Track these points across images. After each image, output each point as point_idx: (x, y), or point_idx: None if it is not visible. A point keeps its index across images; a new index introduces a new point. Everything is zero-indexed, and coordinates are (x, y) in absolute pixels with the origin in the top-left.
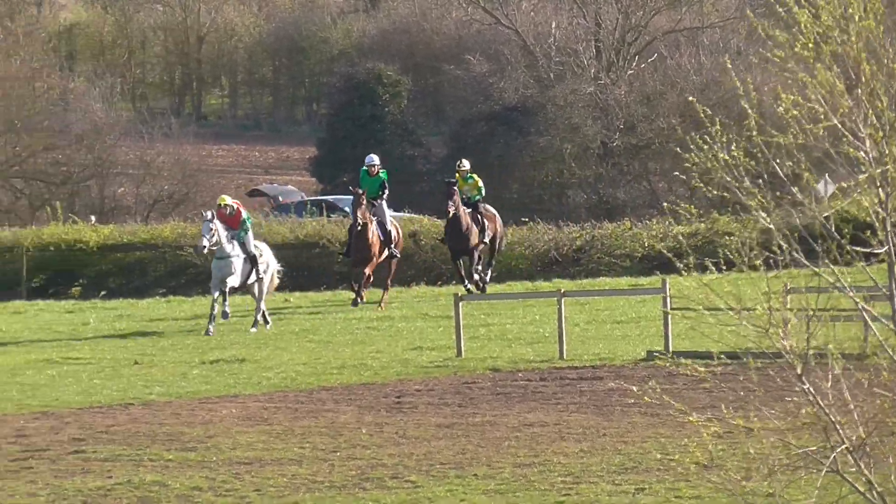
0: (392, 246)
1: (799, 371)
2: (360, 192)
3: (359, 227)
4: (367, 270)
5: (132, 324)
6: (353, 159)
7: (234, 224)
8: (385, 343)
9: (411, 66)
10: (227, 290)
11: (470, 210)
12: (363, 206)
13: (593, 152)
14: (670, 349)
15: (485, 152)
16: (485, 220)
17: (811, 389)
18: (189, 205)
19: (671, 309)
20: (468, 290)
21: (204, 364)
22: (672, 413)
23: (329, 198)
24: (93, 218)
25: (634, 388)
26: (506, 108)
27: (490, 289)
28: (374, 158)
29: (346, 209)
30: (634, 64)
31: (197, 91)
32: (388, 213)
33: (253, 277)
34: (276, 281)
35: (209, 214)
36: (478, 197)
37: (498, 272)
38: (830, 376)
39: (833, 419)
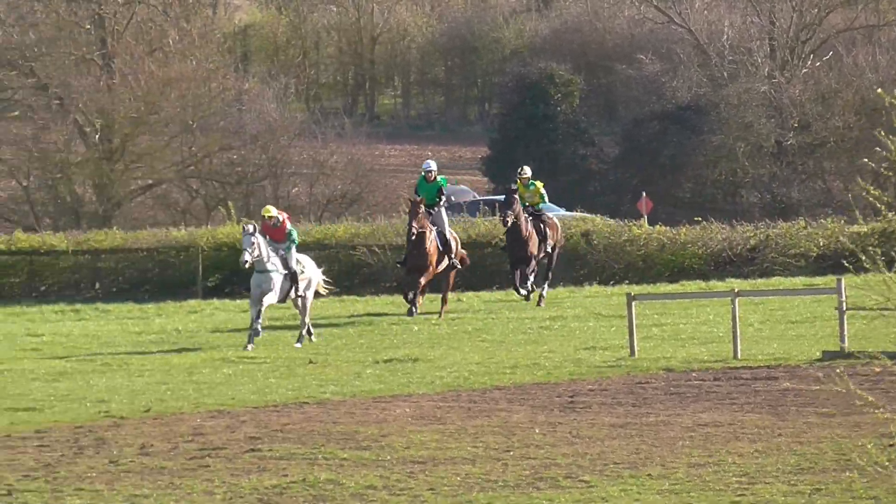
0: (451, 255)
1: None
2: (418, 199)
3: (413, 236)
4: (423, 280)
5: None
6: (525, 159)
7: (279, 237)
8: (558, 343)
9: (583, 65)
10: (264, 308)
11: (532, 218)
12: (419, 214)
13: (767, 151)
14: (846, 349)
15: (657, 152)
16: (547, 229)
17: None
18: (362, 205)
19: (847, 308)
20: (523, 295)
21: (377, 363)
22: (848, 412)
23: (501, 197)
24: None
25: (814, 387)
26: (678, 108)
27: (663, 288)
28: (431, 164)
29: None
30: (809, 62)
31: (370, 91)
32: (447, 221)
33: (293, 294)
34: (323, 291)
35: (250, 227)
36: (541, 205)
37: (670, 271)
38: None
39: None
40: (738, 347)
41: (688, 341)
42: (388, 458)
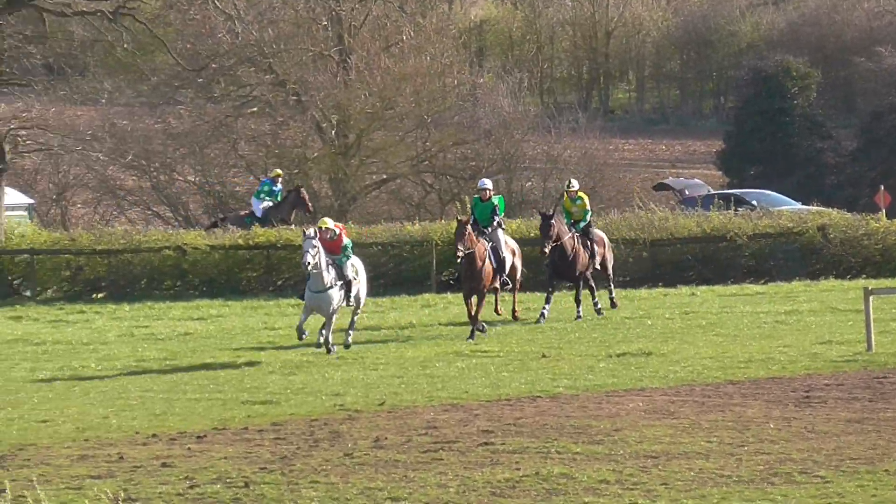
0: (505, 274)
1: None
2: (463, 219)
3: (459, 259)
4: (474, 302)
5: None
6: (760, 153)
7: (335, 249)
8: (793, 337)
9: (820, 58)
10: (329, 325)
11: (580, 235)
12: (466, 235)
13: None
14: None
15: None
16: (594, 245)
17: None
18: (595, 199)
19: None
20: (543, 315)
21: (610, 357)
22: None
23: (736, 191)
24: None
25: None
26: None
27: None
28: (487, 182)
29: (754, 203)
30: None
31: (604, 85)
32: (504, 239)
33: (344, 303)
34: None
35: (311, 231)
36: (585, 221)
37: None
38: None
39: None
40: None
41: None
42: (621, 452)
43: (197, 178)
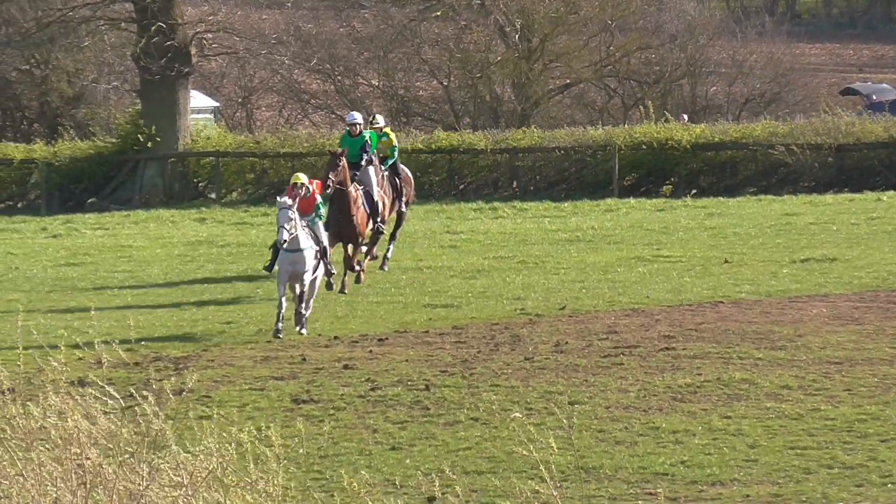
0: (378, 219)
1: None
2: (339, 151)
3: (328, 191)
4: (351, 251)
5: (722, 222)
6: None
7: (307, 209)
8: None
9: None
10: (300, 291)
11: (389, 172)
12: (339, 168)
13: None
14: None
15: None
16: (403, 185)
17: None
18: (780, 104)
19: None
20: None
21: (794, 263)
22: None
23: None
24: (685, 117)
25: None
26: None
27: None
28: (356, 116)
29: None
30: None
31: None
32: (375, 180)
33: (320, 273)
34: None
35: (286, 200)
36: (393, 158)
37: None
38: None
39: None
40: None
41: None
42: (804, 358)
43: (380, 83)
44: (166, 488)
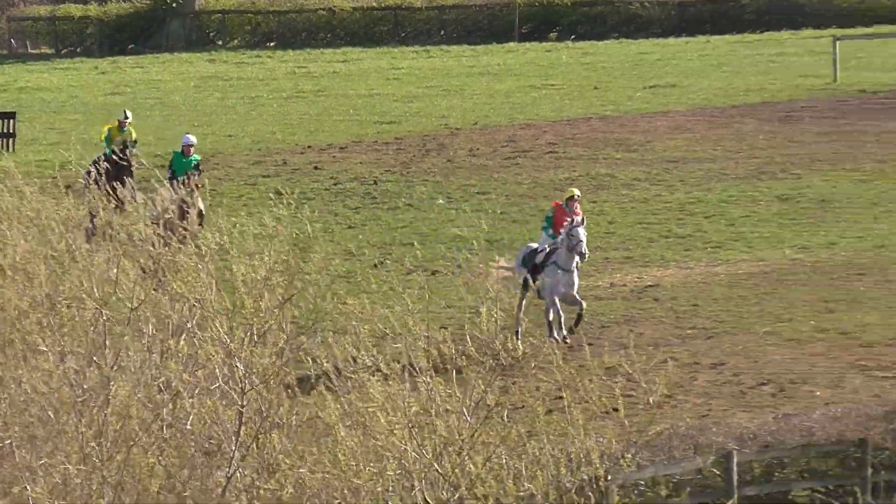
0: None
1: None
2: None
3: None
4: None
5: (594, 59)
6: None
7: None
8: (781, 73)
9: None
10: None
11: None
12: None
13: None
14: None
15: None
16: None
17: None
18: None
19: None
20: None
21: (645, 89)
22: None
23: None
24: None
25: None
26: None
27: None
28: (191, 138)
29: None
30: None
31: None
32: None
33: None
34: None
35: (578, 219)
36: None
37: None
38: None
39: None
40: None
41: None
42: (650, 157)
43: None
44: (191, 256)
